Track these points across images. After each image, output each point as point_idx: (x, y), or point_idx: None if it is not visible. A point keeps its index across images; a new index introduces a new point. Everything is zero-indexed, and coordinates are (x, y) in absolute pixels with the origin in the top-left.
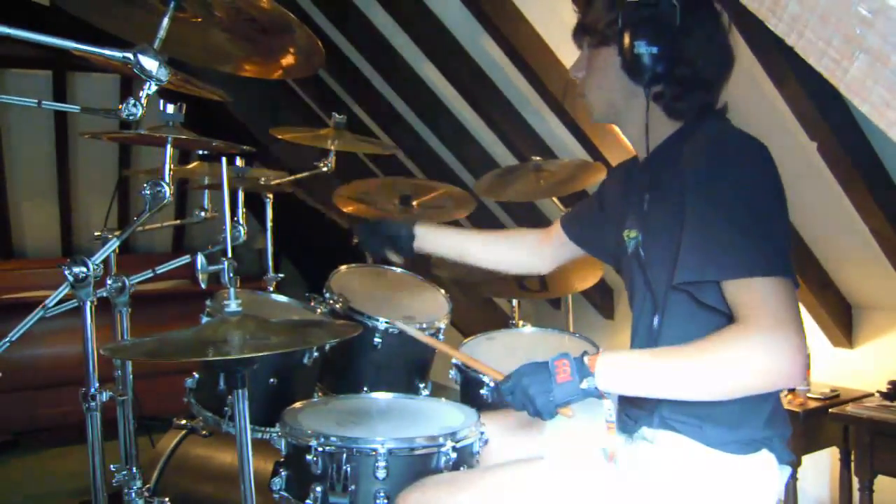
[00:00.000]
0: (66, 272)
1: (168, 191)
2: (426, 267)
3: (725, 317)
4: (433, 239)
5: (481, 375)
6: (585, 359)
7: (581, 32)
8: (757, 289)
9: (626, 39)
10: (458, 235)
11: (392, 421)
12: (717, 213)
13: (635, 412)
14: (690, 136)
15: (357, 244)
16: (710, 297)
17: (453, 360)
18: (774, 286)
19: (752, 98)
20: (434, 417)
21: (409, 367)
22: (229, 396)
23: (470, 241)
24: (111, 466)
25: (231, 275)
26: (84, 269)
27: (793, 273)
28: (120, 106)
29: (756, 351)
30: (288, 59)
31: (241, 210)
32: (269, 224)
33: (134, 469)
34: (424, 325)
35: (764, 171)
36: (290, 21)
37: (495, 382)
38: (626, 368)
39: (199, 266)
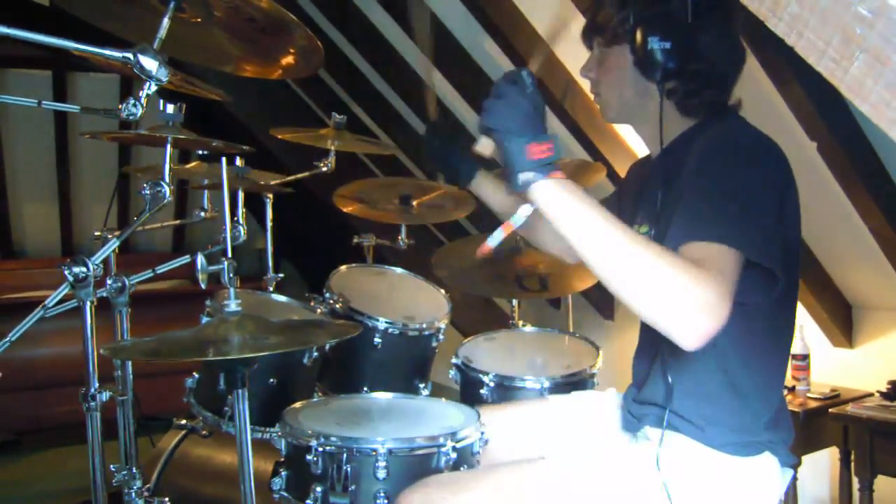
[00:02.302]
0: (66, 272)
1: (168, 191)
2: (426, 267)
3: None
4: (488, 187)
5: (481, 375)
6: (556, 169)
7: (592, 32)
8: (711, 251)
9: (639, 36)
10: (510, 197)
11: (392, 421)
12: (698, 190)
13: (638, 411)
14: (704, 131)
15: (425, 141)
16: None
17: (453, 361)
18: (728, 256)
19: (752, 98)
20: (434, 417)
21: (409, 367)
22: (229, 396)
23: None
24: (111, 466)
25: (231, 275)
26: (84, 269)
27: (763, 258)
28: (120, 106)
29: (695, 291)
30: (287, 59)
31: (241, 210)
32: (269, 224)
33: (134, 469)
34: (424, 325)
35: (765, 161)
36: (289, 21)
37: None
38: (574, 196)
39: (199, 266)
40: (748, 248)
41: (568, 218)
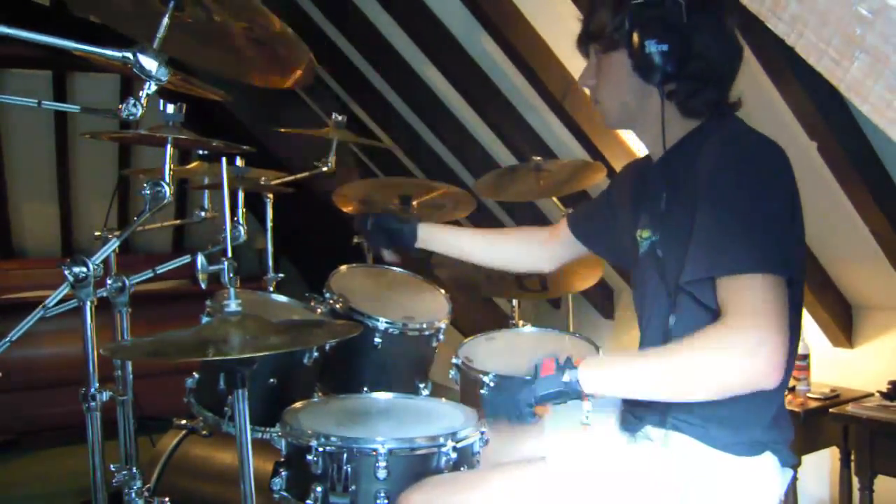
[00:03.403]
0: (66, 272)
1: (168, 191)
2: (426, 267)
3: None
4: (436, 237)
5: (481, 376)
6: (572, 359)
7: (587, 40)
8: (742, 286)
9: (636, 40)
10: (461, 234)
11: (392, 421)
12: (720, 212)
13: (640, 411)
14: (706, 135)
15: (359, 234)
16: (711, 297)
17: (453, 360)
18: (760, 283)
19: (752, 98)
20: (434, 417)
21: (409, 367)
22: (229, 396)
23: (473, 240)
24: (111, 466)
25: (231, 275)
26: (84, 269)
27: (790, 272)
28: (120, 106)
29: (730, 350)
30: (287, 81)
31: (241, 210)
32: (269, 224)
33: (134, 469)
34: (424, 325)
35: (774, 171)
36: (293, 40)
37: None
38: (609, 369)
39: (199, 266)
40: (776, 268)
41: (617, 386)
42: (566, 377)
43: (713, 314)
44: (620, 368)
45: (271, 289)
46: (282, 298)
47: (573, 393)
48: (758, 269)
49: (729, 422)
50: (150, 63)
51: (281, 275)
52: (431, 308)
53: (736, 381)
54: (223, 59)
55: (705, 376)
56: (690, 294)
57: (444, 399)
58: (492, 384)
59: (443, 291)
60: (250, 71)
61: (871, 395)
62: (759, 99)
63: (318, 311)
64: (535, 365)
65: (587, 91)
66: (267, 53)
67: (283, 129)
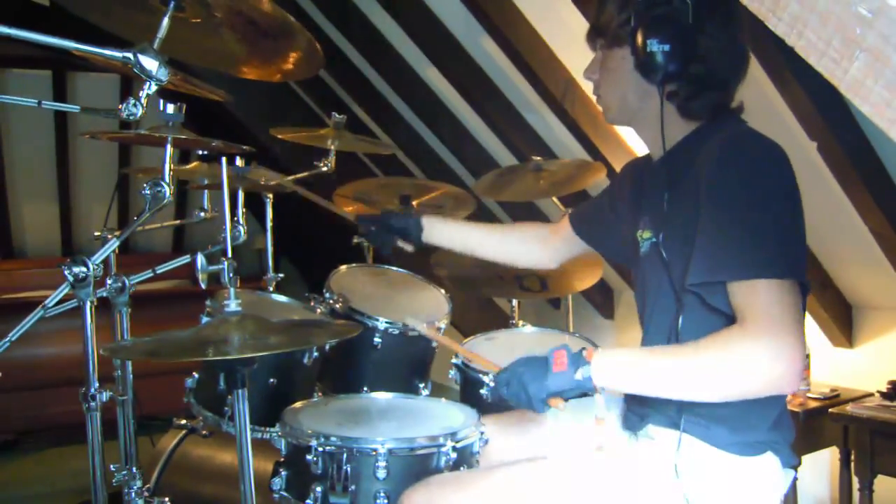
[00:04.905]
0: (66, 272)
1: (168, 191)
2: (426, 267)
3: (733, 320)
4: (441, 231)
5: (481, 375)
6: (583, 352)
7: (594, 34)
8: (760, 291)
9: (639, 38)
10: (466, 227)
11: (392, 421)
12: (727, 214)
13: (641, 410)
14: (707, 136)
15: (363, 237)
16: (719, 299)
17: (453, 360)
18: (778, 289)
19: (752, 98)
20: (434, 417)
21: (409, 367)
22: (229, 396)
23: (478, 233)
24: (111, 466)
25: (231, 275)
26: (84, 269)
27: (801, 275)
28: (120, 106)
29: (755, 355)
30: (288, 63)
31: (241, 210)
32: (269, 224)
33: (134, 469)
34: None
35: (778, 173)
36: (291, 24)
37: (494, 375)
38: (623, 364)
39: (199, 266)
40: (792, 273)
41: (630, 383)
42: (578, 375)
43: (721, 316)
44: (635, 365)
45: (271, 289)
46: (282, 298)
47: (586, 389)
48: (775, 275)
49: (733, 422)
50: (150, 63)
51: (281, 275)
52: (431, 308)
53: (757, 387)
54: (221, 55)
55: (726, 380)
56: (697, 295)
57: (444, 399)
58: (492, 383)
59: (443, 291)
60: (249, 65)
61: (871, 395)
62: (759, 99)
63: (318, 311)
64: (547, 357)
65: (589, 83)
66: (265, 44)
67: (280, 136)
